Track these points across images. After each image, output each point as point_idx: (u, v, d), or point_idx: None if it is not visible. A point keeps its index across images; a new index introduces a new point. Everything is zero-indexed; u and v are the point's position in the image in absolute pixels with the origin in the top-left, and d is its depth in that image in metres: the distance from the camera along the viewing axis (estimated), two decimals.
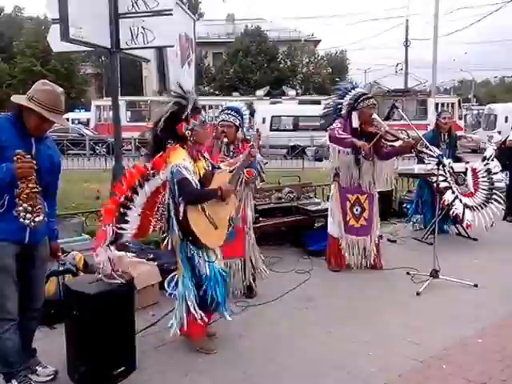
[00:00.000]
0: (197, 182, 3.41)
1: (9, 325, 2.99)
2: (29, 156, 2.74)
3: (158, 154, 3.47)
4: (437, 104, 23.50)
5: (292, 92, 30.02)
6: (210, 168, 3.66)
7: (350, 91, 5.43)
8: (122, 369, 3.30)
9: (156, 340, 3.86)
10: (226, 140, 4.52)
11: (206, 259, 3.56)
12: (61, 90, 3.06)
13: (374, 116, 5.33)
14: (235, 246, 4.50)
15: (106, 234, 3.36)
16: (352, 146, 5.23)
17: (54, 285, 4.13)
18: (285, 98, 28.47)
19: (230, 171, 3.75)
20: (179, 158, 3.39)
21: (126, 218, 3.40)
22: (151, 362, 3.54)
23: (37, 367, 3.31)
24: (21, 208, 2.76)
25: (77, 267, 4.38)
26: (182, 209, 3.39)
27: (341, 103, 5.48)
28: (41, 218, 2.84)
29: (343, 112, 5.45)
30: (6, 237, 2.90)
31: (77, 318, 3.19)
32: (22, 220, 2.77)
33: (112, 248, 3.39)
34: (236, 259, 4.70)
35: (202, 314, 3.57)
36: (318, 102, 19.90)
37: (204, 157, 3.68)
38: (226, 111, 4.57)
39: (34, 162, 2.77)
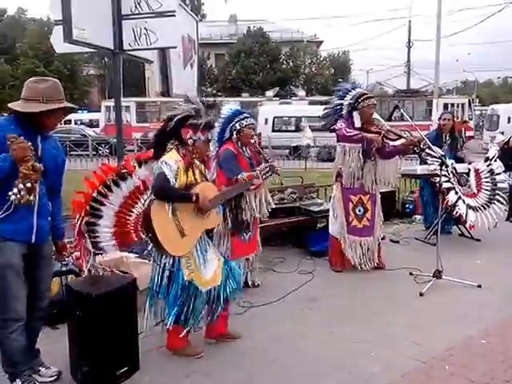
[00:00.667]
0: (173, 180, 3.32)
1: (16, 325, 3.00)
2: (22, 137, 2.70)
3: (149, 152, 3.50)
4: (446, 104, 23.40)
5: (302, 93, 29.99)
6: (201, 179, 3.58)
7: (350, 91, 5.45)
8: (125, 369, 3.31)
9: (158, 341, 3.85)
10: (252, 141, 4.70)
11: (168, 267, 3.41)
12: (52, 79, 3.07)
13: (375, 116, 5.34)
14: (252, 243, 4.84)
15: (76, 227, 3.40)
16: (363, 141, 5.24)
17: (56, 285, 4.13)
18: (294, 98, 28.44)
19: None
20: (170, 158, 3.39)
21: (99, 212, 3.41)
22: (153, 363, 3.54)
23: (40, 368, 3.31)
24: (16, 189, 2.68)
25: (79, 268, 4.38)
26: (148, 202, 3.40)
27: (341, 104, 5.48)
28: (29, 197, 2.72)
29: (344, 112, 5.45)
30: (13, 237, 2.90)
31: (79, 319, 3.19)
32: (13, 197, 2.68)
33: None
34: (252, 255, 4.90)
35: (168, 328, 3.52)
36: (328, 103, 19.94)
37: (200, 169, 3.62)
38: (247, 114, 4.69)
39: (30, 143, 2.72)
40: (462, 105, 24.40)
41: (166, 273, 3.43)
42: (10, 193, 2.67)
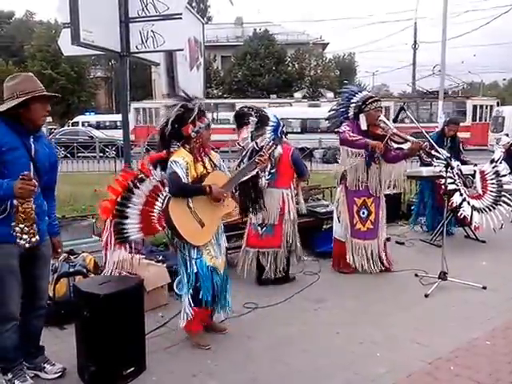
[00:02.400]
0: (184, 177, 3.56)
1: (10, 324, 3.06)
2: (34, 181, 2.77)
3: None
4: (475, 106, 23.28)
5: (330, 94, 29.91)
6: (211, 169, 3.79)
7: (357, 94, 5.46)
8: (132, 369, 3.33)
9: (165, 341, 3.90)
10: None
11: (193, 256, 3.69)
12: (26, 73, 3.15)
13: (381, 118, 5.35)
14: (273, 237, 5.08)
15: (107, 229, 3.65)
16: (366, 147, 5.25)
17: (64, 286, 4.18)
18: (323, 100, 28.39)
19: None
20: (178, 156, 3.61)
21: (126, 214, 3.69)
22: (160, 363, 3.57)
23: (45, 364, 3.36)
24: (17, 229, 2.81)
25: (87, 268, 4.42)
26: (166, 201, 3.64)
27: (348, 106, 5.50)
28: (37, 238, 2.90)
29: (350, 114, 5.46)
30: (9, 239, 2.90)
31: (87, 319, 3.22)
32: (18, 240, 2.83)
33: (122, 249, 3.69)
34: (272, 249, 5.11)
35: (192, 313, 3.73)
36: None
37: (209, 158, 3.82)
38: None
39: (36, 184, 2.80)
40: (491, 106, 24.30)
41: (193, 262, 3.70)
42: (18, 240, 2.82)
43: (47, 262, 3.36)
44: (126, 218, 3.70)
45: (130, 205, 3.70)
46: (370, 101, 5.30)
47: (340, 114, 5.61)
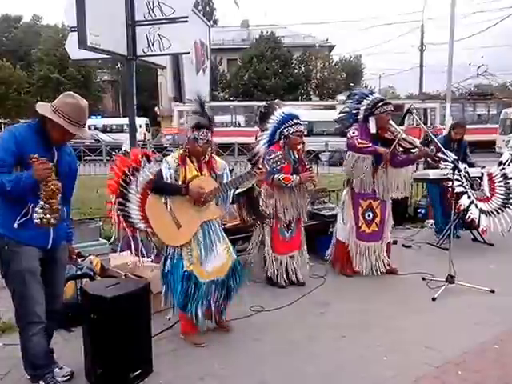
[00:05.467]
0: (168, 176, 3.70)
1: (37, 328, 3.05)
2: (44, 158, 2.78)
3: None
4: None
5: (342, 97, 29.87)
6: (209, 174, 3.86)
7: (367, 96, 5.43)
8: (139, 372, 3.33)
9: (172, 343, 3.90)
10: (299, 147, 4.94)
11: (169, 256, 3.80)
12: (85, 103, 3.08)
13: (390, 122, 5.33)
14: (296, 239, 5.20)
15: (112, 203, 3.88)
16: (374, 154, 5.24)
17: (71, 289, 4.19)
18: (336, 102, 28.38)
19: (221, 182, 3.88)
20: (171, 156, 3.85)
21: (127, 197, 3.87)
22: (167, 366, 3.56)
23: (53, 367, 3.35)
24: (39, 205, 2.79)
25: (94, 271, 4.44)
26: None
27: (358, 108, 5.48)
28: (52, 221, 2.83)
29: (360, 117, 5.44)
30: (31, 242, 2.96)
31: (94, 322, 3.23)
32: (34, 215, 2.79)
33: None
34: (298, 251, 5.23)
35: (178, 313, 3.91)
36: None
37: (211, 165, 3.88)
38: (297, 121, 4.91)
39: (51, 164, 2.81)
40: None
41: (168, 261, 3.80)
42: (35, 215, 2.79)
43: (63, 266, 3.38)
44: (129, 201, 3.88)
45: (129, 190, 3.87)
46: (380, 104, 5.28)
47: (349, 117, 5.59)
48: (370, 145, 5.20)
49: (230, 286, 3.95)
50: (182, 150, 3.84)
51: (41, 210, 2.78)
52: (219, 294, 3.92)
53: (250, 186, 4.04)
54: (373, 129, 5.29)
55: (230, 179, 3.91)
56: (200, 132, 3.71)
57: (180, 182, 3.72)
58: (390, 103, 5.37)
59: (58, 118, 2.91)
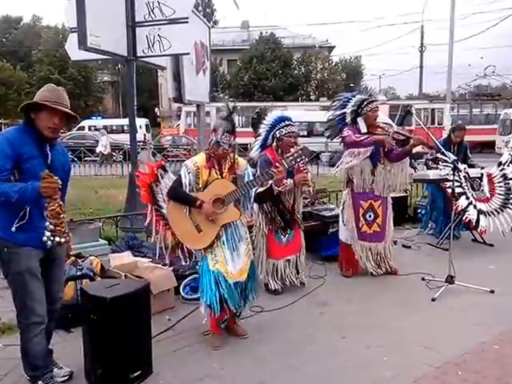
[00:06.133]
0: (187, 183, 3.73)
1: (38, 329, 3.05)
2: (56, 178, 2.81)
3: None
4: None
5: (382, 97, 29.88)
6: (228, 175, 3.86)
7: (350, 99, 5.42)
8: (139, 372, 3.33)
9: (172, 344, 3.90)
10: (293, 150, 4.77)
11: (199, 259, 3.91)
12: (61, 88, 3.15)
13: (380, 118, 5.33)
14: (295, 242, 5.09)
15: (150, 213, 4.15)
16: (374, 143, 5.22)
17: (71, 289, 4.19)
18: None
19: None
20: (191, 160, 3.85)
21: (159, 203, 4.13)
22: (167, 366, 3.56)
23: (52, 367, 3.35)
24: (47, 223, 2.85)
25: (94, 272, 4.44)
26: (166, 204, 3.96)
27: (344, 113, 5.46)
28: (58, 239, 2.90)
29: (348, 120, 5.42)
30: (30, 243, 2.97)
31: (94, 322, 3.23)
32: (43, 238, 2.85)
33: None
34: (295, 254, 5.13)
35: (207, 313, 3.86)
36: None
37: (230, 163, 3.87)
38: (289, 122, 4.83)
39: (60, 182, 2.84)
40: None
41: (199, 263, 3.91)
42: (44, 238, 2.85)
43: (61, 265, 3.39)
44: (162, 207, 4.13)
45: (157, 198, 4.16)
46: (365, 103, 5.28)
47: (338, 122, 5.57)
48: (367, 136, 5.19)
49: (249, 289, 3.98)
50: (203, 153, 3.84)
51: (49, 233, 2.85)
52: (241, 297, 3.92)
53: (268, 186, 4.11)
54: (363, 128, 5.28)
55: (250, 179, 3.91)
56: (223, 136, 3.72)
57: (200, 185, 3.76)
58: (374, 100, 5.37)
59: (40, 102, 2.95)
